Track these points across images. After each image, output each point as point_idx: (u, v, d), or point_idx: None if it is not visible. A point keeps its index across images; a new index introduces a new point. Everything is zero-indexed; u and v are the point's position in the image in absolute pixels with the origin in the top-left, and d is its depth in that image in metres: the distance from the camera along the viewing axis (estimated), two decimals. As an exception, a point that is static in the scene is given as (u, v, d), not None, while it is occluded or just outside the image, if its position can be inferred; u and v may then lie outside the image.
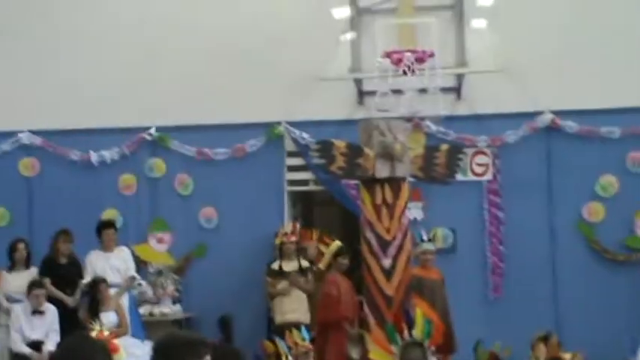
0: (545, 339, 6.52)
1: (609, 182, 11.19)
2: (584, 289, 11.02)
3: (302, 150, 11.58)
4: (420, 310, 7.34)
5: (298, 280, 10.34)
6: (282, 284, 10.32)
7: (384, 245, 7.82)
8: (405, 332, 7.16)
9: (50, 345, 9.20)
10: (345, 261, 9.39)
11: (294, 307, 10.28)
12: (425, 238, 9.46)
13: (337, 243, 9.51)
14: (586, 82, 11.20)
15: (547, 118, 11.32)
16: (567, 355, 6.28)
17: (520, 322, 10.03)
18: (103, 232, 10.41)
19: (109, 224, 10.66)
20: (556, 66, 11.22)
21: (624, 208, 11.07)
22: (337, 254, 9.36)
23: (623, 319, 10.96)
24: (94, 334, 5.03)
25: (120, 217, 11.68)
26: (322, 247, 9.64)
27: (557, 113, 11.30)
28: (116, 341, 5.03)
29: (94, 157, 11.82)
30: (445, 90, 10.92)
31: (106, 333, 5.11)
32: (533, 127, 11.36)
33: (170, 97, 11.69)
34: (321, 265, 9.67)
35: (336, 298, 9.04)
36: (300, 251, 10.69)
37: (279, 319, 10.25)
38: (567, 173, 11.20)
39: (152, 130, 11.83)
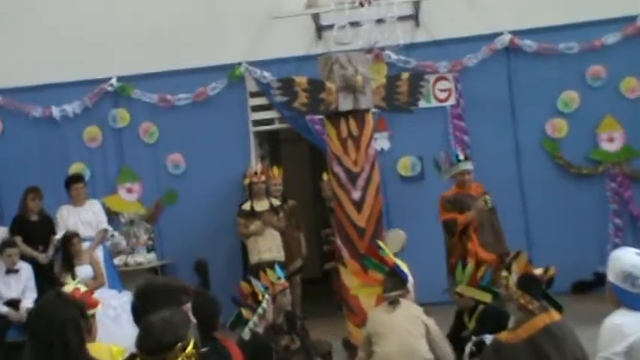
0: (515, 258, 6.60)
1: (570, 97, 11.25)
2: (552, 205, 11.16)
3: (264, 89, 11.55)
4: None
5: (271, 219, 10.39)
6: (255, 224, 10.36)
7: (353, 178, 7.87)
8: (390, 261, 7.21)
9: (27, 302, 9.22)
10: None
11: (268, 246, 10.34)
12: (461, 157, 9.17)
13: None
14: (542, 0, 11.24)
15: (505, 38, 11.33)
16: (538, 270, 6.36)
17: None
18: (72, 187, 10.39)
19: (77, 178, 10.63)
20: (511, -15, 11.27)
21: (586, 123, 11.17)
22: None
23: (590, 232, 11.13)
24: (69, 289, 5.04)
25: (87, 170, 11.67)
26: None
27: (515, 33, 11.31)
28: (95, 296, 5.03)
29: (56, 111, 11.76)
30: (403, 18, 10.89)
31: (82, 289, 5.11)
32: (493, 49, 11.37)
33: (128, 46, 11.65)
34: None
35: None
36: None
37: (254, 258, 10.31)
38: (529, 92, 11.24)
39: (113, 81, 11.75)
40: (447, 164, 9.10)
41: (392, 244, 8.36)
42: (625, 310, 4.53)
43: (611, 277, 4.63)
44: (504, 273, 6.46)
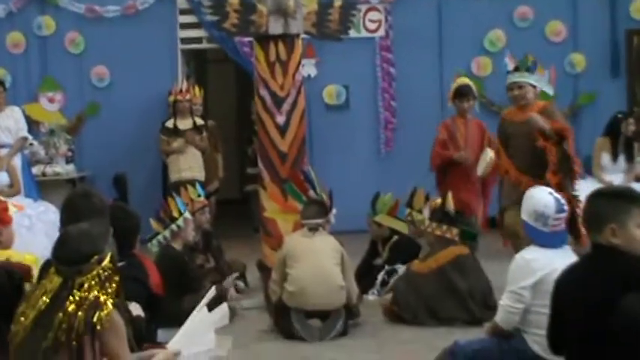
0: (413, 196, 6.82)
1: (497, 36, 11.40)
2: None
3: (195, 7, 11.40)
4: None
5: (194, 137, 10.36)
6: (178, 142, 10.31)
7: (278, 102, 7.86)
8: (310, 191, 7.29)
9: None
10: (463, 104, 8.25)
11: (189, 165, 10.32)
12: (510, 67, 7.39)
13: (461, 80, 8.54)
14: None
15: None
16: (437, 200, 6.58)
17: (411, 175, 10.28)
18: (-8, 91, 10.19)
19: (-1, 82, 10.42)
20: None
21: (510, 63, 11.34)
22: (456, 94, 8.31)
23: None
24: (-18, 199, 5.00)
25: (9, 77, 11.37)
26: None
27: (448, -34, 11.40)
28: (9, 212, 4.98)
29: (-22, 14, 11.45)
30: (338, -56, 10.85)
31: (-2, 198, 5.07)
32: (426, -17, 11.43)
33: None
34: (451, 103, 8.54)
35: (442, 142, 8.30)
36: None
37: (174, 176, 10.28)
38: (457, 28, 11.34)
39: (40, -13, 11.48)
40: None
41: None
42: (536, 247, 4.70)
43: (524, 216, 4.78)
44: (408, 210, 6.63)
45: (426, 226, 6.69)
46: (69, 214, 4.24)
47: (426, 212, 6.52)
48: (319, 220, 6.93)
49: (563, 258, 4.37)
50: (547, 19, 11.37)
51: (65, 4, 11.45)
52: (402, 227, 7.53)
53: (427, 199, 6.76)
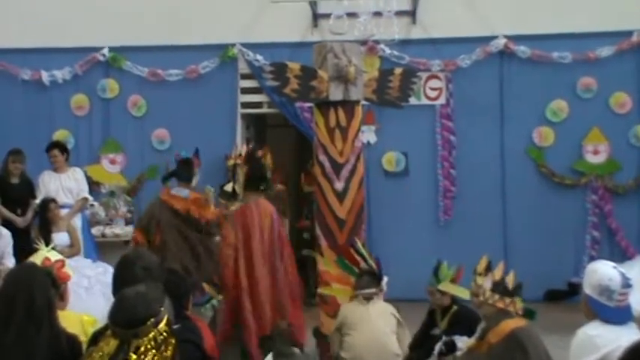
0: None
1: (560, 107, 11.31)
2: (532, 212, 11.20)
3: (256, 72, 11.53)
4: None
5: (252, 201, 10.36)
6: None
7: (337, 168, 7.84)
8: (362, 263, 7.22)
9: (4, 268, 9.11)
10: None
11: (247, 229, 10.32)
12: None
13: None
14: (539, 7, 11.25)
15: (500, 42, 11.34)
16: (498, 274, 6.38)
17: (469, 244, 10.18)
18: (48, 154, 10.32)
19: (54, 145, 10.47)
20: (511, -10, 11.30)
21: (573, 133, 11.21)
22: None
23: (568, 242, 11.19)
24: (40, 256, 5.01)
25: (72, 138, 11.59)
26: None
27: (510, 38, 11.34)
28: (66, 269, 4.99)
29: (45, 76, 11.66)
30: (400, 13, 10.90)
31: (53, 259, 5.08)
32: (487, 52, 11.39)
33: (123, 18, 11.54)
34: None
35: None
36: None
37: (232, 240, 10.28)
38: (519, 98, 11.28)
39: (105, 51, 11.67)
40: None
41: None
42: (599, 322, 4.54)
43: (587, 290, 4.62)
44: (480, 280, 6.47)
45: (486, 298, 6.53)
46: (124, 276, 4.22)
47: (488, 284, 6.36)
48: (373, 290, 6.89)
49: (628, 335, 4.22)
50: (612, 90, 11.23)
51: (129, 68, 11.65)
52: (466, 295, 7.38)
53: (489, 269, 6.60)
